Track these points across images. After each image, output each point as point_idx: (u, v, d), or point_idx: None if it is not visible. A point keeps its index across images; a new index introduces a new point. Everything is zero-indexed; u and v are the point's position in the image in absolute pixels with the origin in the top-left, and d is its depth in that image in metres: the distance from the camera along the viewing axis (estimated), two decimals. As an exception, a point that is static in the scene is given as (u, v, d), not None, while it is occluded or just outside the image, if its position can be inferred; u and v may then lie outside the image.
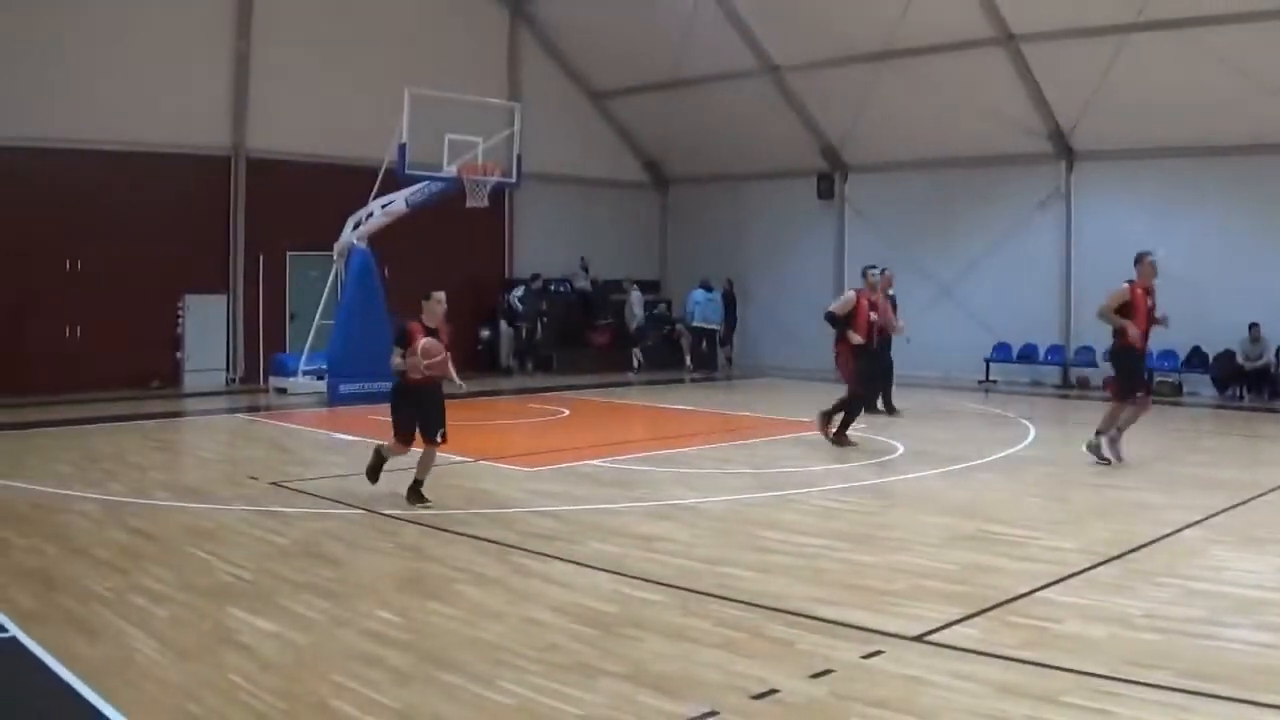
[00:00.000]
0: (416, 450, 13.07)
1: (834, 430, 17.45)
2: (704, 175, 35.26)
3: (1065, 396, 26.97)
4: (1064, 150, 28.36)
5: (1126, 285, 15.76)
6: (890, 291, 21.28)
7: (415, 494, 12.85)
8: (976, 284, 29.46)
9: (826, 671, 7.32)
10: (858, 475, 15.13)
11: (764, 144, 32.56)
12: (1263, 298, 25.20)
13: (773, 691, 6.95)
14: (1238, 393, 25.92)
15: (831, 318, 18.13)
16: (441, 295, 12.81)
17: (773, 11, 29.12)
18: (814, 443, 17.78)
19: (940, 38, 27.11)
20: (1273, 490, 14.14)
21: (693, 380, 30.91)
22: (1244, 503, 13.32)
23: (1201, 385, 26.57)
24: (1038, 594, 9.20)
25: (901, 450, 17.38)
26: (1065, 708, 6.69)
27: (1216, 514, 12.61)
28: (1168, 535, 11.53)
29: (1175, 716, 6.57)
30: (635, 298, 33.12)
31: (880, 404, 21.49)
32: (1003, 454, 17.34)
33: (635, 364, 32.17)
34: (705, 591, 9.22)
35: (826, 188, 32.78)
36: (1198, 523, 12.10)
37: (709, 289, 32.76)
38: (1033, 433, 19.67)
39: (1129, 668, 7.34)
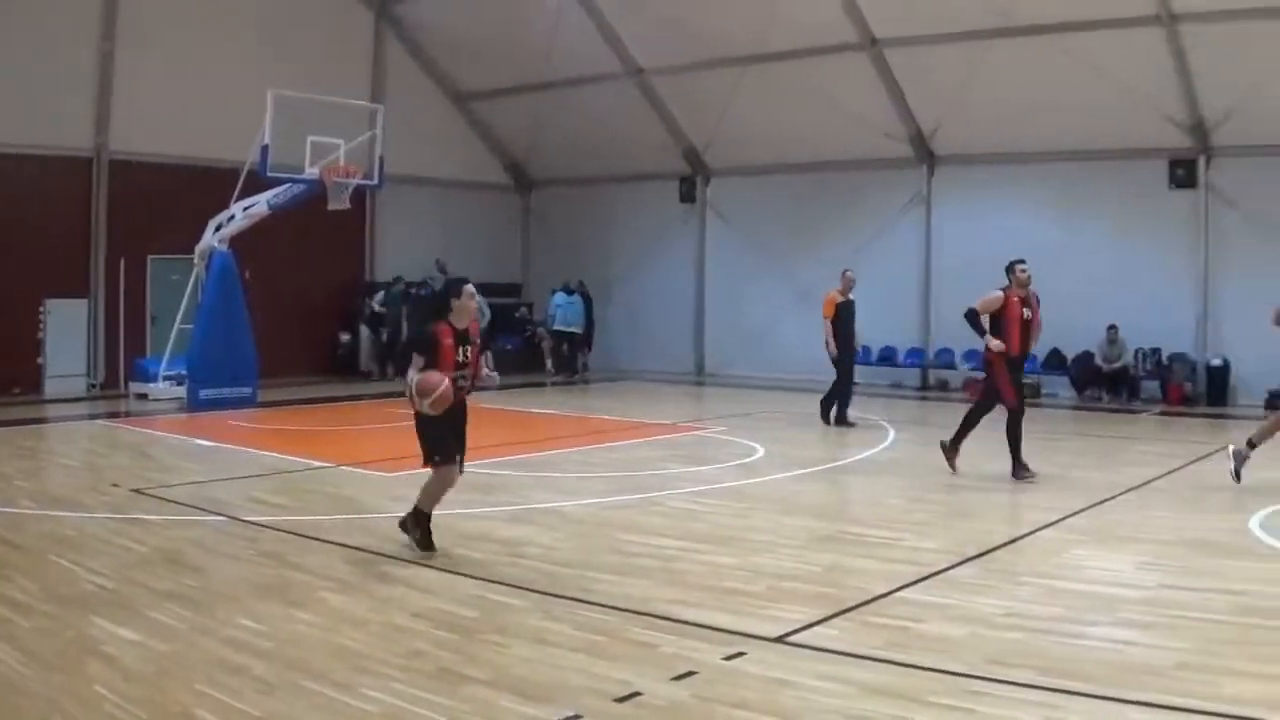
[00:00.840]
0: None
1: (1015, 465, 15.25)
2: (567, 178, 35.07)
3: (925, 398, 27.20)
4: (925, 154, 28.61)
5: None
6: (850, 295, 21.05)
7: (421, 528, 10.74)
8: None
9: (689, 674, 7.25)
10: (718, 478, 15.07)
11: (627, 147, 32.47)
12: (1121, 300, 25.61)
13: (635, 694, 6.88)
14: (1096, 394, 26.26)
15: (973, 316, 15.43)
16: (472, 289, 10.57)
17: (638, 14, 29.02)
18: (674, 445, 17.72)
19: (805, 42, 27.18)
20: (1130, 490, 14.30)
21: (553, 384, 30.75)
22: (1102, 502, 13.46)
23: (1060, 387, 26.94)
24: (898, 594, 9.20)
25: (762, 452, 17.36)
26: (931, 707, 6.70)
27: (1075, 514, 12.73)
28: (1027, 535, 11.63)
29: (1040, 714, 6.59)
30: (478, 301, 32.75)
31: (832, 414, 21.19)
32: (862, 455, 17.43)
33: None
34: (567, 595, 9.11)
35: (688, 191, 32.78)
36: (1056, 523, 12.20)
37: (570, 292, 32.59)
38: (892, 434, 19.78)
39: (992, 666, 7.36)
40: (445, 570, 9.94)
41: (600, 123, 31.95)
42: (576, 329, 32.63)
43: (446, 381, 10.17)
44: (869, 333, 28.37)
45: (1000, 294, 15.38)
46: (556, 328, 32.60)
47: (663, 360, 31.98)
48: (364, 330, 31.25)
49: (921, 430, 20.51)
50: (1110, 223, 26.28)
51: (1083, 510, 12.95)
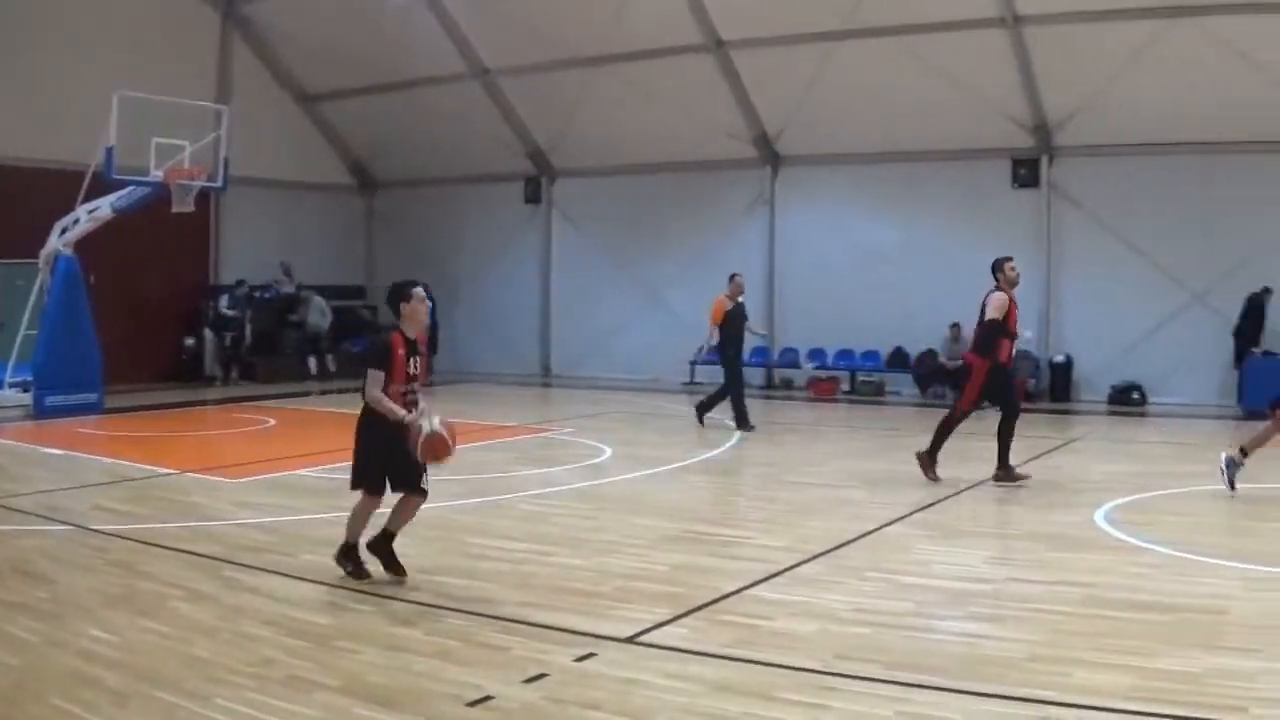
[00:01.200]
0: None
1: (1000, 468, 14.70)
2: (413, 179, 34.65)
3: (770, 398, 27.29)
4: (770, 155, 28.70)
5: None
6: (740, 298, 20.84)
7: (352, 561, 9.75)
8: (685, 288, 29.55)
9: (540, 676, 7.17)
10: (565, 479, 14.93)
11: (473, 147, 32.16)
12: (963, 298, 25.74)
13: (488, 698, 6.79)
14: (940, 391, 26.50)
15: (996, 328, 14.54)
16: (421, 291, 9.69)
17: (485, 15, 28.76)
18: (521, 447, 17.57)
19: (651, 43, 27.16)
20: (974, 486, 14.42)
21: (400, 387, 30.31)
22: (948, 498, 13.57)
23: (904, 385, 27.17)
24: (747, 592, 9.16)
25: (609, 453, 17.26)
26: (782, 704, 6.68)
27: (921, 509, 12.81)
28: (873, 531, 11.64)
29: (892, 708, 6.60)
30: (317, 304, 32.25)
31: (703, 414, 20.93)
32: (709, 455, 17.43)
33: (313, 370, 31.33)
34: (417, 600, 8.95)
35: (534, 192, 32.58)
36: (903, 518, 12.26)
37: (415, 294, 32.14)
38: (738, 434, 19.75)
39: (841, 662, 7.36)
40: (294, 577, 9.70)
41: (446, 123, 31.64)
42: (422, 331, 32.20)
43: (454, 442, 9.40)
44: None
45: (1004, 295, 14.61)
46: (401, 330, 32.14)
47: (510, 362, 31.76)
48: (209, 334, 30.64)
49: (766, 429, 20.51)
50: (953, 222, 26.58)
51: (929, 506, 13.04)
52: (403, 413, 9.22)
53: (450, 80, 30.49)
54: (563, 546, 10.89)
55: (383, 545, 9.66)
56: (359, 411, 9.52)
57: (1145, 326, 24.71)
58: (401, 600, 8.95)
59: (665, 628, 8.17)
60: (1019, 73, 24.36)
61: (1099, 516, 12.34)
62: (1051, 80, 24.41)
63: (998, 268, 14.83)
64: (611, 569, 10.00)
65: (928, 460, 14.88)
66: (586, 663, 7.44)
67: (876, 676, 7.08)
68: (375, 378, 9.31)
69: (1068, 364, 25.84)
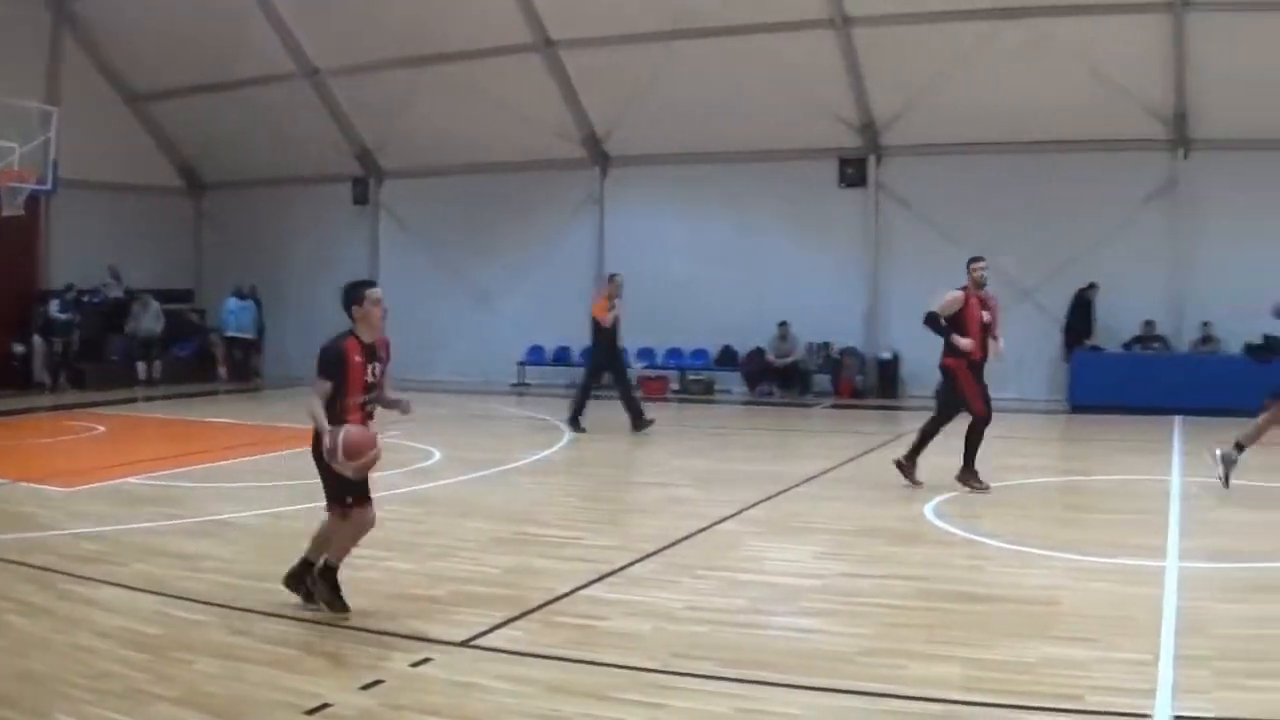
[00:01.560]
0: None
1: (966, 471, 14.21)
2: (241, 180, 34.04)
3: (597, 397, 27.25)
4: (599, 156, 28.70)
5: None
6: (618, 299, 20.53)
7: (331, 587, 8.71)
8: (514, 288, 29.45)
9: (377, 682, 7.08)
10: (395, 483, 14.66)
11: (301, 148, 31.67)
12: (792, 297, 26.16)
13: (325, 706, 6.67)
14: (769, 389, 26.71)
15: (933, 319, 14.22)
16: (378, 293, 8.93)
17: (314, 13, 28.37)
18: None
19: (480, 43, 27.03)
20: (806, 481, 14.59)
21: (227, 391, 29.88)
22: (778, 494, 13.66)
23: (733, 383, 27.35)
24: (581, 592, 9.12)
25: (438, 456, 17.09)
26: (619, 703, 6.66)
27: (752, 506, 12.87)
28: (705, 529, 11.66)
29: (729, 705, 6.61)
30: (154, 309, 31.63)
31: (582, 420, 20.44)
32: (539, 456, 17.38)
33: (142, 376, 30.72)
34: (250, 609, 8.75)
35: (361, 193, 32.25)
36: (734, 515, 12.30)
37: (242, 297, 31.72)
38: (568, 434, 19.71)
39: (677, 660, 7.35)
40: (127, 587, 9.41)
41: (274, 124, 31.11)
42: (249, 334, 31.81)
43: (379, 445, 8.54)
44: (542, 335, 28.47)
45: (960, 294, 14.18)
46: (230, 334, 31.73)
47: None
48: (38, 340, 29.81)
49: (594, 429, 20.47)
50: (782, 221, 26.87)
51: (760, 503, 13.10)
52: (327, 425, 8.43)
53: (279, 80, 30.07)
54: (394, 551, 10.69)
55: (327, 576, 8.67)
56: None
57: (971, 323, 25.12)
58: (236, 609, 8.74)
59: (500, 630, 8.10)
60: (847, 73, 24.68)
61: (929, 510, 12.53)
62: (879, 81, 24.81)
63: (967, 267, 14.40)
64: (444, 573, 9.89)
65: (967, 475, 14.07)
66: (423, 667, 7.36)
67: (713, 674, 7.09)
68: (321, 388, 8.63)
69: (894, 361, 26.23)
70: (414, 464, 16.39)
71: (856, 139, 26.14)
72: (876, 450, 17.37)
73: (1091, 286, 24.45)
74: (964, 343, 13.85)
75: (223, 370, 31.99)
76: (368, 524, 8.74)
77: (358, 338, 8.73)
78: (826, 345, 26.92)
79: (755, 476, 14.89)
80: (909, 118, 25.31)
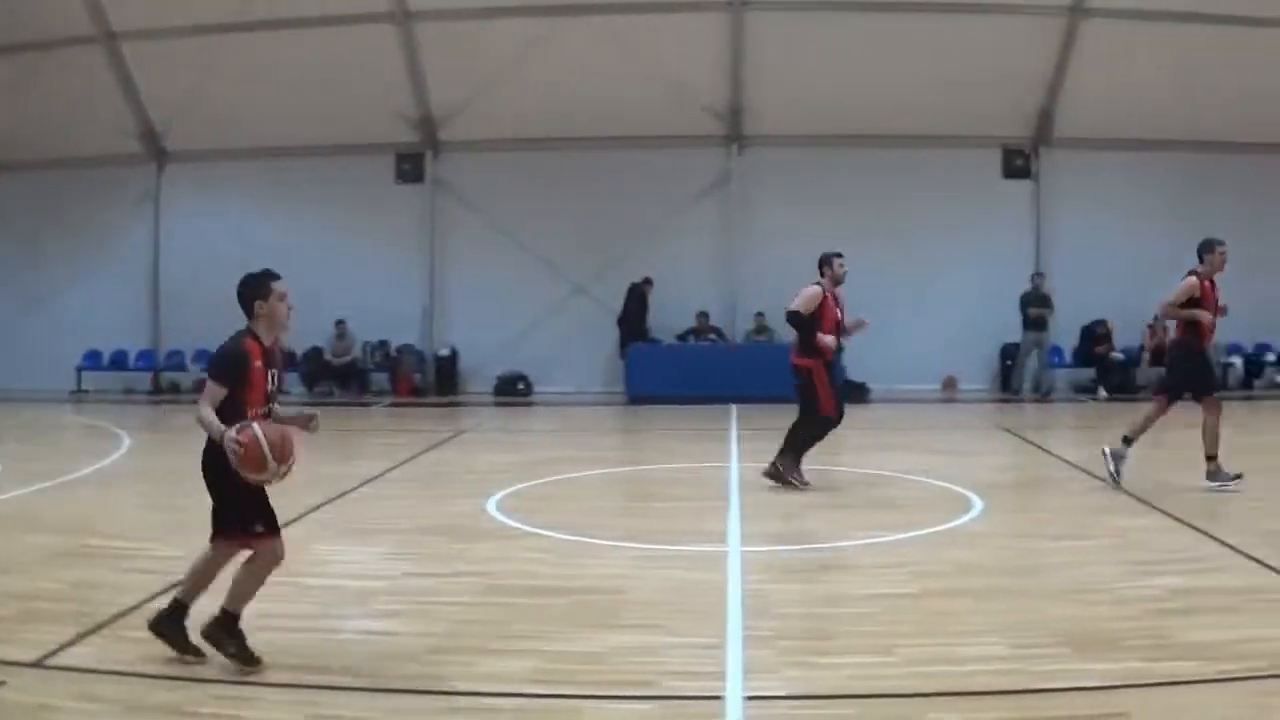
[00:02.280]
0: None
1: (786, 463, 13.88)
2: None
3: (157, 402, 26.71)
4: (157, 151, 27.91)
5: (1194, 278, 13.51)
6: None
7: (236, 639, 7.38)
8: (71, 291, 28.30)
9: (-44, 708, 6.80)
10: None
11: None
12: (349, 295, 26.13)
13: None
14: (328, 389, 26.65)
15: (796, 318, 13.84)
16: (284, 287, 7.95)
17: None
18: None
19: (40, 34, 25.73)
20: (368, 482, 14.74)
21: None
22: (341, 496, 13.74)
23: (292, 383, 27.05)
24: (149, 605, 8.86)
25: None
26: (196, 718, 6.59)
27: (315, 509, 12.87)
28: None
29: (303, 713, 6.62)
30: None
31: None
32: (99, 465, 16.83)
33: None
34: None
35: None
36: (298, 519, 12.18)
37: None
38: (127, 442, 19.23)
39: (249, 670, 7.26)
40: None
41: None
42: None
43: (293, 442, 7.31)
44: (100, 336, 27.52)
45: (819, 289, 13.91)
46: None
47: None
48: None
49: (153, 435, 20.10)
50: (337, 219, 26.79)
51: (322, 505, 13.11)
52: (221, 427, 7.19)
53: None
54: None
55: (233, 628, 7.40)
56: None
57: (530, 318, 25.73)
58: None
59: (71, 648, 7.87)
60: (407, 68, 24.82)
61: (491, 505, 12.83)
62: (439, 76, 25.01)
63: (825, 262, 14.11)
64: (10, 590, 9.48)
65: (789, 469, 13.85)
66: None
67: (285, 682, 7.07)
68: (214, 393, 7.34)
69: (452, 357, 26.54)
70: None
71: (414, 134, 26.31)
72: (437, 448, 17.65)
73: (647, 281, 25.33)
74: (827, 340, 13.71)
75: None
76: (279, 557, 7.65)
77: (258, 339, 7.66)
78: (384, 343, 27.06)
79: (318, 479, 14.77)
80: (469, 114, 25.65)
